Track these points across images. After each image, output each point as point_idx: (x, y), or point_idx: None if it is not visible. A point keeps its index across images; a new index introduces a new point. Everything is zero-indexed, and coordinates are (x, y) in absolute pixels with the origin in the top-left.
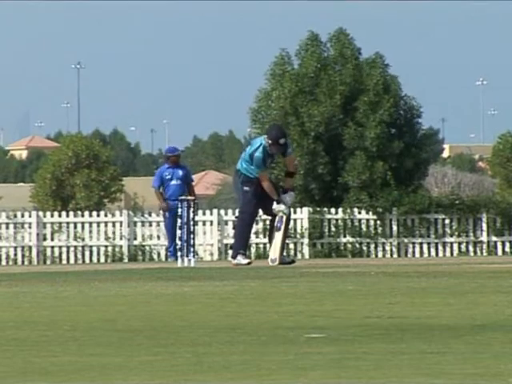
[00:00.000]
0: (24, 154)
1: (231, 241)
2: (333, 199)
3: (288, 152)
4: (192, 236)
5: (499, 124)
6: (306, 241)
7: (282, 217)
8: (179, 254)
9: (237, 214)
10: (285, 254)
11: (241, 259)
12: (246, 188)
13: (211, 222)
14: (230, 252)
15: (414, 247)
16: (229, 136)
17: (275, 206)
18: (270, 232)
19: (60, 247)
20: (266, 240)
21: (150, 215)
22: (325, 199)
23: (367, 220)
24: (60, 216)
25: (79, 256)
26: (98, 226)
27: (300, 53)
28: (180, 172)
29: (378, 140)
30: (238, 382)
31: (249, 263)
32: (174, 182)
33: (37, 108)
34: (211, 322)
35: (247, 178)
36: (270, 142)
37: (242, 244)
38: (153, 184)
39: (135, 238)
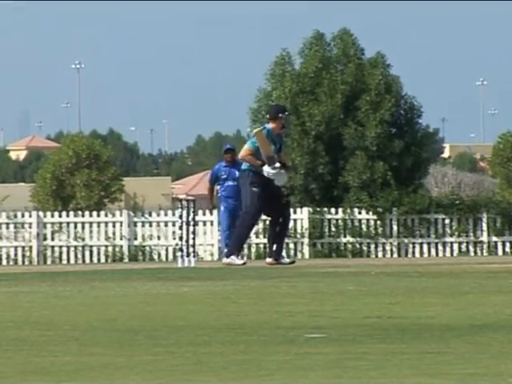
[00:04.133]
0: (22, 154)
1: None
2: (333, 199)
3: (282, 148)
4: (192, 236)
5: (499, 123)
6: (306, 241)
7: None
8: (179, 253)
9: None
10: (285, 254)
11: (235, 259)
12: (254, 189)
13: (211, 222)
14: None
15: (414, 247)
16: (236, 135)
17: (265, 170)
18: (269, 232)
19: (60, 247)
20: (266, 240)
21: (150, 215)
22: (325, 199)
23: (367, 220)
24: (60, 216)
25: (79, 256)
26: (99, 226)
27: (304, 51)
28: (236, 173)
29: (379, 140)
30: (238, 381)
31: (243, 263)
32: (230, 183)
33: (37, 108)
34: (211, 322)
35: (255, 177)
36: (268, 117)
37: (238, 245)
38: (209, 180)
39: (135, 238)
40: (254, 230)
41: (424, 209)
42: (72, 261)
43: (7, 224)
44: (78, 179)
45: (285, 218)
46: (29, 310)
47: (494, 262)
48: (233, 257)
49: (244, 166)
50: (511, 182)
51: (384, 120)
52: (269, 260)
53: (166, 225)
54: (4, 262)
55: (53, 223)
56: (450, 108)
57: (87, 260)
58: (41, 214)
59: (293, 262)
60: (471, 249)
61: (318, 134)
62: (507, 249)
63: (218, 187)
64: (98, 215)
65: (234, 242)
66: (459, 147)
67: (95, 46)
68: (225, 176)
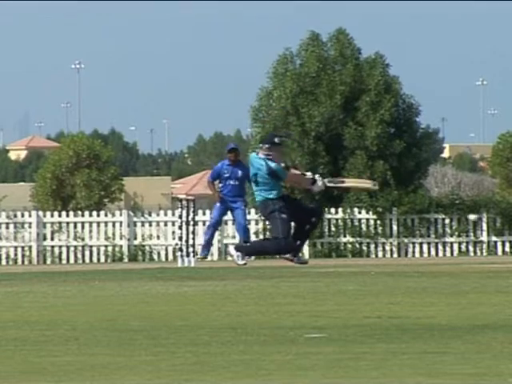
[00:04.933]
0: (22, 154)
1: (231, 241)
2: (333, 199)
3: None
4: (192, 236)
5: (499, 123)
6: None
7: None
8: (179, 253)
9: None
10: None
11: (239, 257)
12: (283, 216)
13: None
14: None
15: (414, 247)
16: (236, 135)
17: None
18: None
19: (60, 247)
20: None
21: (149, 215)
22: (325, 199)
23: (367, 220)
24: (60, 216)
25: (79, 256)
26: (98, 225)
27: (300, 53)
28: (239, 172)
29: (379, 139)
30: (238, 381)
31: (244, 264)
32: (231, 182)
33: (37, 108)
34: (211, 322)
35: (277, 202)
36: (266, 146)
37: (254, 253)
38: (208, 177)
39: (135, 238)
40: (253, 230)
41: (424, 209)
42: (72, 261)
43: (7, 224)
44: (78, 179)
45: (318, 217)
46: (29, 310)
47: (494, 261)
48: (239, 254)
49: (258, 197)
50: (511, 182)
51: (384, 120)
52: (286, 255)
53: (165, 224)
54: (4, 262)
55: (52, 223)
56: (449, 108)
57: (87, 260)
58: (40, 213)
59: (306, 262)
60: (471, 249)
61: (319, 134)
62: (507, 249)
63: (220, 185)
64: (98, 215)
65: (253, 250)
66: (459, 147)
67: (95, 46)
68: (227, 175)
